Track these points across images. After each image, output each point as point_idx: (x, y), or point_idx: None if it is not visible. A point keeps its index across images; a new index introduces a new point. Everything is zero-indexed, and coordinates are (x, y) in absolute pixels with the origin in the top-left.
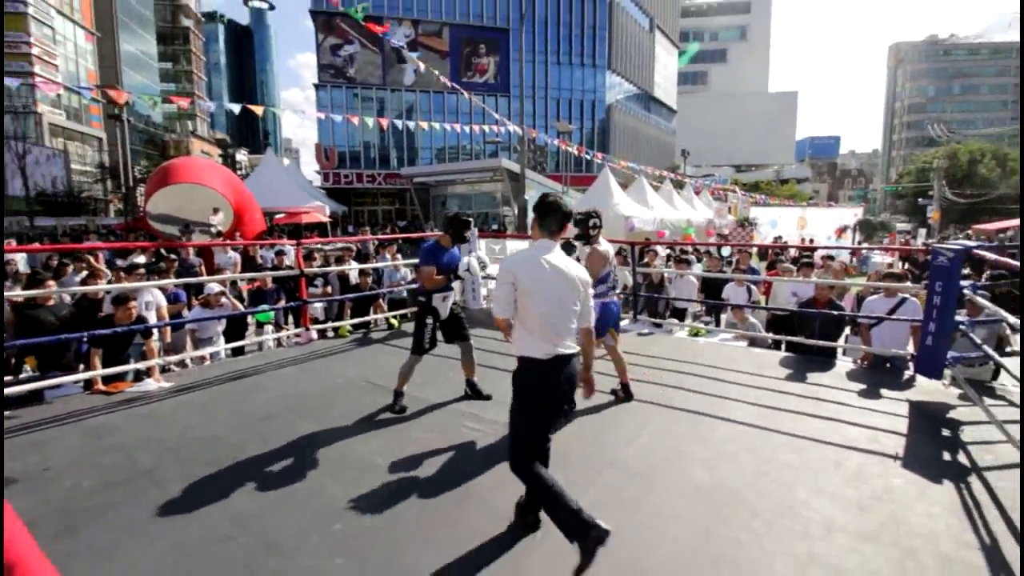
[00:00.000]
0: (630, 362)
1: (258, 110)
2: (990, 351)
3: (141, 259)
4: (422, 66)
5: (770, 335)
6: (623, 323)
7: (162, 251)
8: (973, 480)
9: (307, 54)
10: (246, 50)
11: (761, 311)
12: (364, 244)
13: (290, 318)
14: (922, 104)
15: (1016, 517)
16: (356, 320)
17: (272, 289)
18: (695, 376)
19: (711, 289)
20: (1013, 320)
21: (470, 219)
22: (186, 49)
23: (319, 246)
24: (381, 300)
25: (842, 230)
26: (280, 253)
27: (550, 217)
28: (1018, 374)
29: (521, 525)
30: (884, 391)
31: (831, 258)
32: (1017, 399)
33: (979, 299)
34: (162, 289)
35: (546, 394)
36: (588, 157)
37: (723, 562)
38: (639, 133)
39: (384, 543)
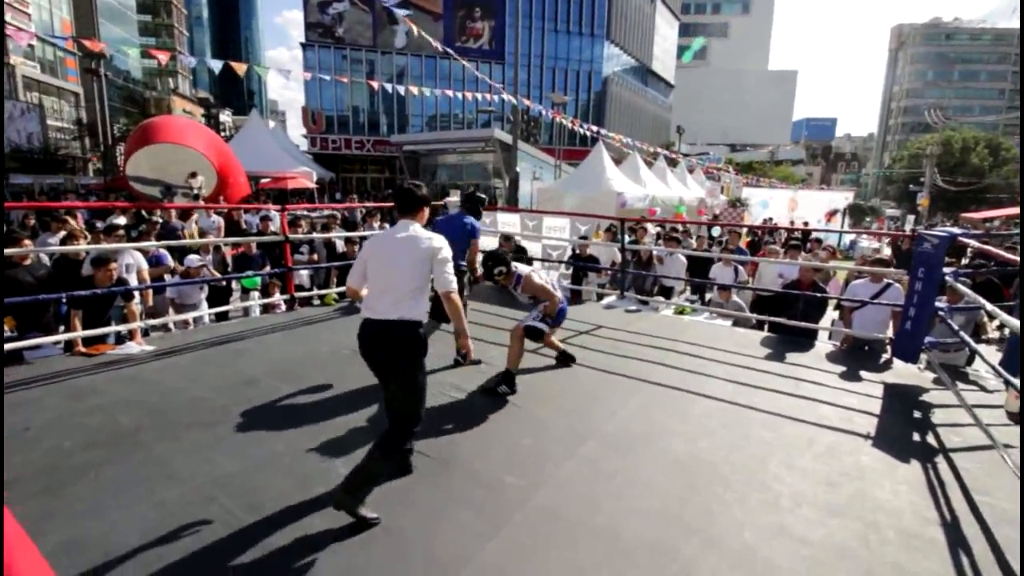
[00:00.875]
0: (617, 338)
1: (240, 68)
2: (966, 337)
3: (121, 220)
4: (414, 28)
5: (754, 315)
6: (611, 299)
7: (143, 213)
8: (940, 461)
9: (295, 11)
10: (230, 4)
11: (747, 291)
12: (351, 212)
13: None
14: (920, 89)
15: (978, 498)
16: (342, 288)
17: (257, 255)
18: (678, 353)
19: (698, 268)
20: (991, 308)
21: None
22: (166, 1)
23: (305, 212)
24: None
25: (832, 214)
26: (265, 218)
27: (396, 201)
28: (993, 361)
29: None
30: (861, 372)
31: (819, 242)
32: (990, 385)
33: (960, 286)
34: (143, 252)
35: (360, 350)
36: (582, 131)
37: (695, 531)
38: (635, 107)
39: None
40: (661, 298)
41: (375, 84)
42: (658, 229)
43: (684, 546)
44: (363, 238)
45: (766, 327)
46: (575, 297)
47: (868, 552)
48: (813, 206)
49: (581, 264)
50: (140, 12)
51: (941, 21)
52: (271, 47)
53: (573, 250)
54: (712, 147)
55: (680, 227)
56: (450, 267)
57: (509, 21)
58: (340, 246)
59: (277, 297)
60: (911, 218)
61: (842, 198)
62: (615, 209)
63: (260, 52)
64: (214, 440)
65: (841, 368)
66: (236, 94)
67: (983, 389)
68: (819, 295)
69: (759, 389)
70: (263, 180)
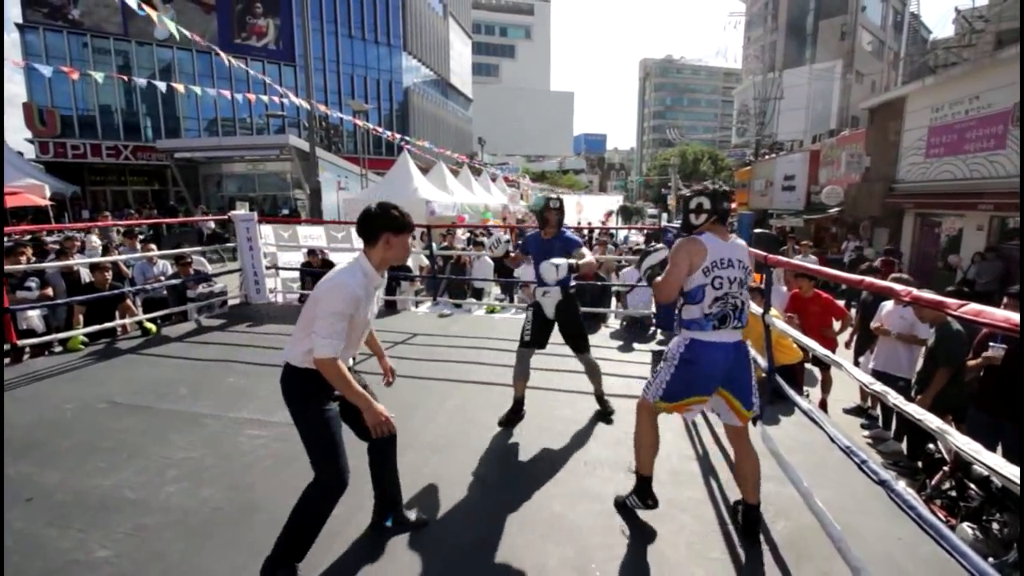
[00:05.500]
0: (432, 343)
1: None
2: None
3: None
4: (171, 25)
5: None
6: (426, 305)
7: None
8: None
9: None
10: None
11: None
12: (105, 233)
13: None
14: (662, 111)
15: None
16: (93, 328)
17: None
18: (490, 350)
19: (505, 269)
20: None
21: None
22: None
23: (34, 236)
24: (130, 301)
25: (609, 214)
26: None
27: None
28: None
29: None
30: (635, 345)
31: (603, 241)
32: None
33: None
34: None
35: None
36: (385, 136)
37: (514, 513)
38: (439, 119)
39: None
40: (473, 299)
41: (123, 78)
42: (468, 235)
43: (505, 530)
44: (116, 263)
45: None
46: (390, 307)
47: None
48: (595, 208)
49: (393, 273)
50: None
51: (673, 58)
52: None
53: None
54: (511, 157)
55: (486, 231)
56: (325, 324)
57: (297, 21)
58: (86, 275)
59: None
60: (665, 216)
61: (615, 201)
62: (424, 217)
63: None
64: None
65: (621, 343)
66: None
67: None
68: (599, 283)
69: (560, 372)
70: None
